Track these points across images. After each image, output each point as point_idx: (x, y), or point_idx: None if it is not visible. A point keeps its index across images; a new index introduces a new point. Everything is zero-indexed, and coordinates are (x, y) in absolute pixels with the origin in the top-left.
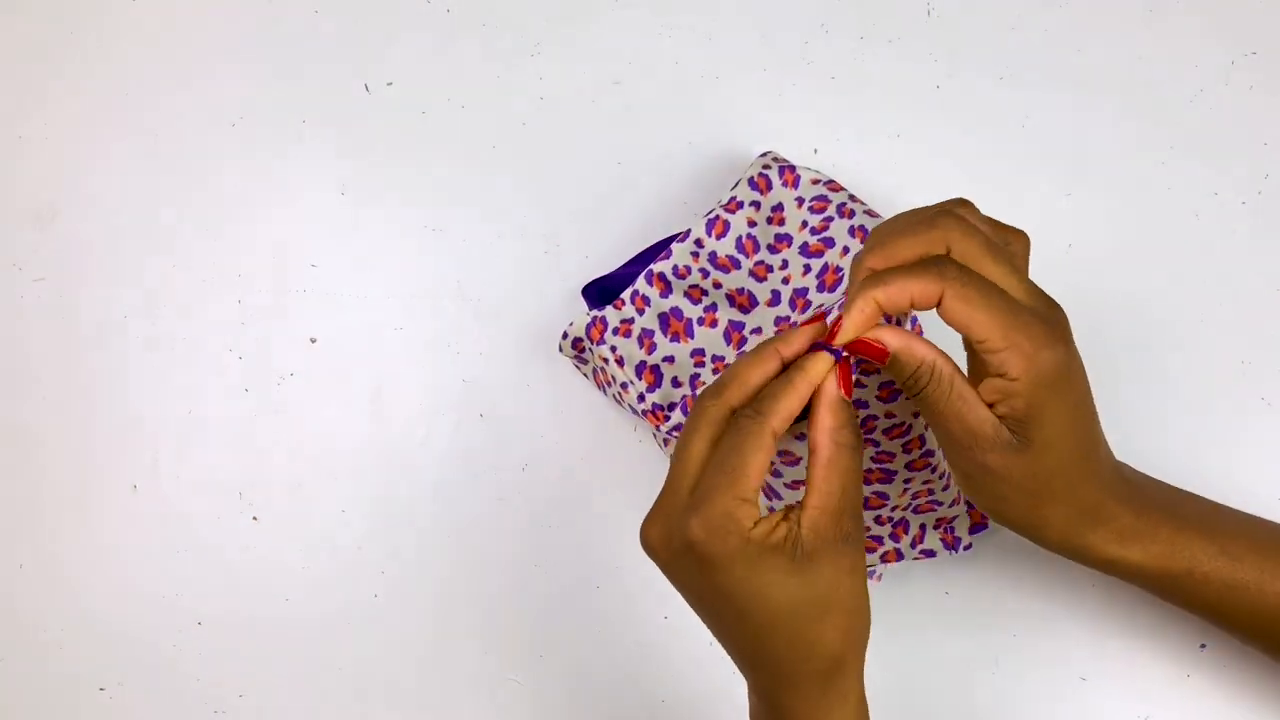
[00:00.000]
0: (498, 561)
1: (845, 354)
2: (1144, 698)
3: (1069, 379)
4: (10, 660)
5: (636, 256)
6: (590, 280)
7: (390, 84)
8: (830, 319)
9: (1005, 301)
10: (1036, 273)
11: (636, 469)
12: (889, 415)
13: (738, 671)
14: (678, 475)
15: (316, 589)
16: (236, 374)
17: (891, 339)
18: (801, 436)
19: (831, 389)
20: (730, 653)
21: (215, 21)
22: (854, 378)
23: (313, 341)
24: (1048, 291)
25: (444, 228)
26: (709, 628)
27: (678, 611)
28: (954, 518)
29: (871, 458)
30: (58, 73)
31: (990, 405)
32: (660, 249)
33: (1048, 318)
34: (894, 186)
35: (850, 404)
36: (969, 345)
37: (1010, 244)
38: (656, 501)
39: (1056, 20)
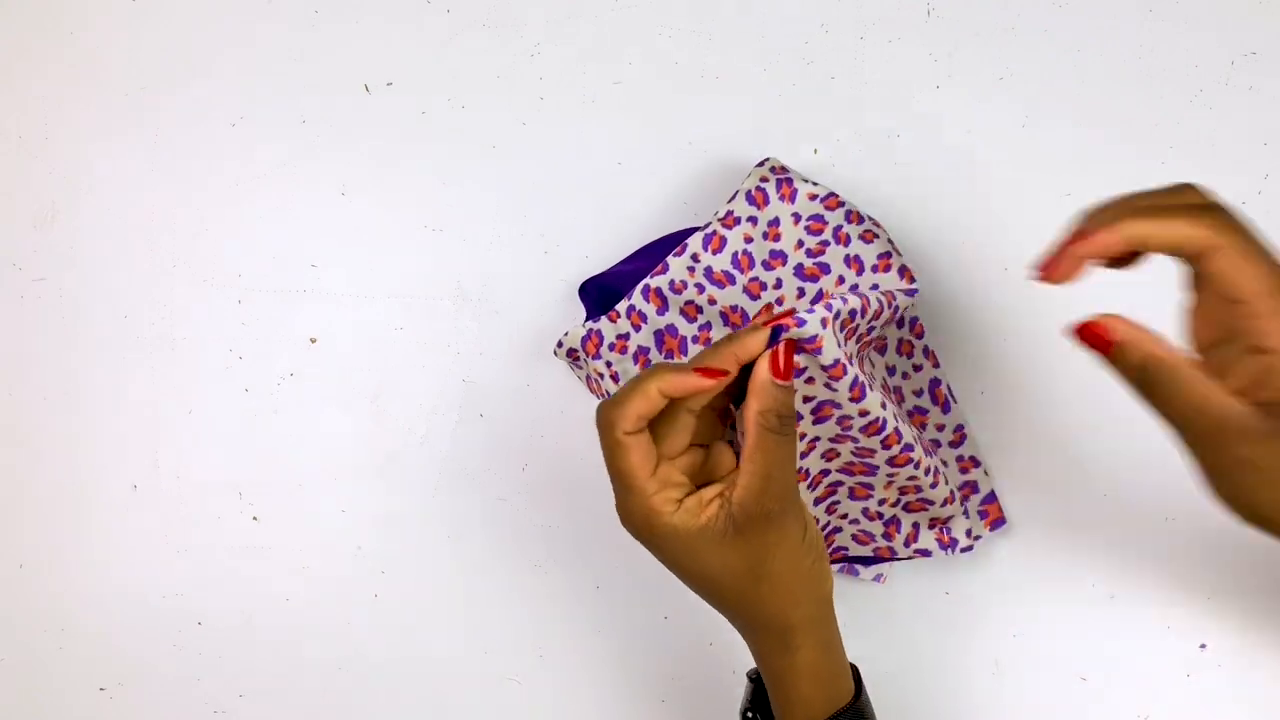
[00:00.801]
0: (498, 561)
1: (783, 337)
2: (1144, 698)
3: None
4: (10, 660)
5: (635, 253)
6: (587, 278)
7: (390, 84)
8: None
9: (1274, 265)
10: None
11: None
12: (863, 413)
13: (737, 671)
14: (604, 454)
15: (316, 589)
16: (236, 374)
17: (1122, 328)
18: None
19: (761, 373)
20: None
21: (215, 22)
22: (796, 361)
23: (313, 341)
24: (1046, 293)
25: (444, 228)
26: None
27: (677, 611)
28: (949, 518)
29: (852, 452)
30: (58, 73)
31: (1244, 390)
32: (659, 246)
33: None
34: (894, 186)
35: (781, 388)
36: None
37: None
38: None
39: (1056, 20)
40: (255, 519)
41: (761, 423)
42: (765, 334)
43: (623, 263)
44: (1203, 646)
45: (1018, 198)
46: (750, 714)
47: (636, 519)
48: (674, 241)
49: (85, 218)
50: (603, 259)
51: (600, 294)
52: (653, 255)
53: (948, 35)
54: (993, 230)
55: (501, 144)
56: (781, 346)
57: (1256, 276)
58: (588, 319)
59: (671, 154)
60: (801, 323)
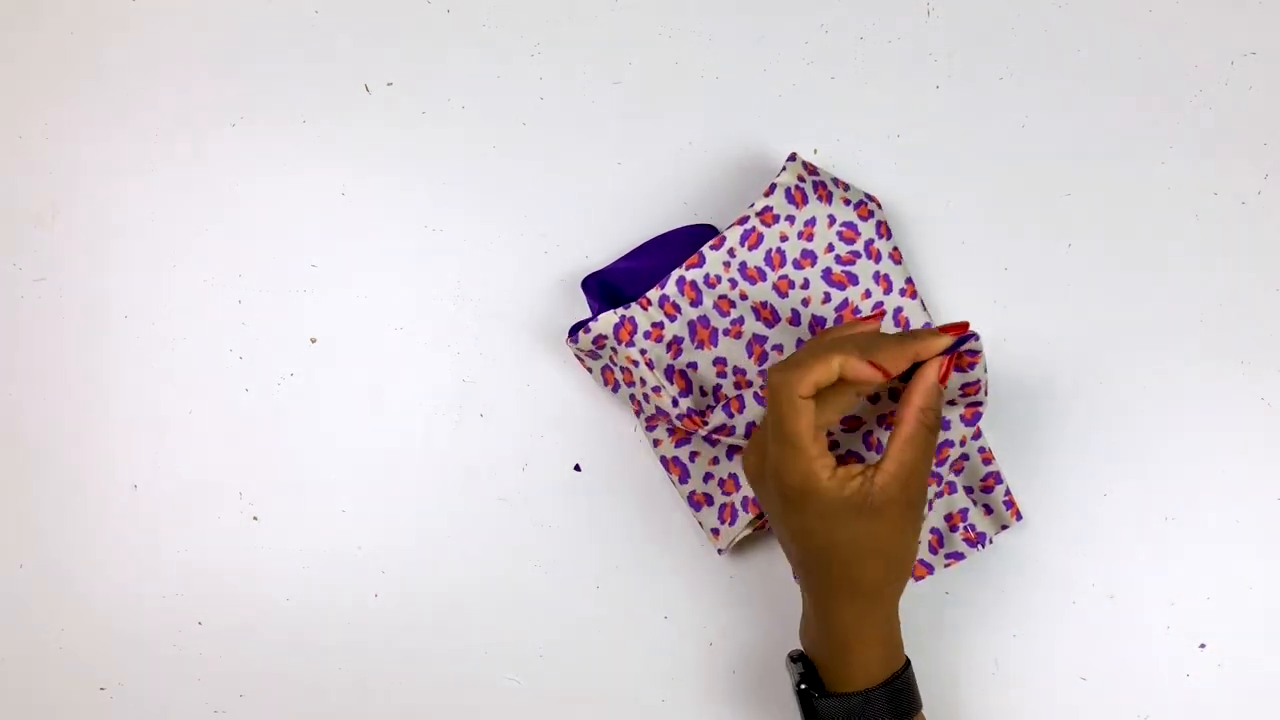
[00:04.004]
0: (498, 561)
1: (961, 349)
2: (1144, 698)
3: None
4: (10, 660)
5: (637, 249)
6: (590, 273)
7: (390, 84)
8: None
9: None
10: (1035, 275)
11: (636, 469)
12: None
13: (736, 671)
14: (775, 413)
15: (316, 589)
16: (236, 374)
17: None
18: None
19: (930, 375)
20: (791, 562)
21: (215, 21)
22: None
23: (313, 341)
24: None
25: (444, 228)
26: (781, 538)
27: (678, 611)
28: (963, 509)
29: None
30: (58, 73)
31: None
32: (659, 243)
33: None
34: (894, 186)
35: (941, 391)
36: None
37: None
38: (756, 432)
39: (1056, 20)
40: (255, 519)
41: (922, 419)
42: (947, 340)
43: (625, 258)
44: (1203, 646)
45: (1018, 198)
46: (804, 687)
47: (795, 477)
48: (674, 239)
49: (85, 217)
50: (603, 258)
51: (603, 289)
52: (653, 252)
53: (948, 35)
54: (993, 230)
55: (501, 144)
56: (951, 358)
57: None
58: (596, 312)
59: (671, 154)
60: (976, 336)
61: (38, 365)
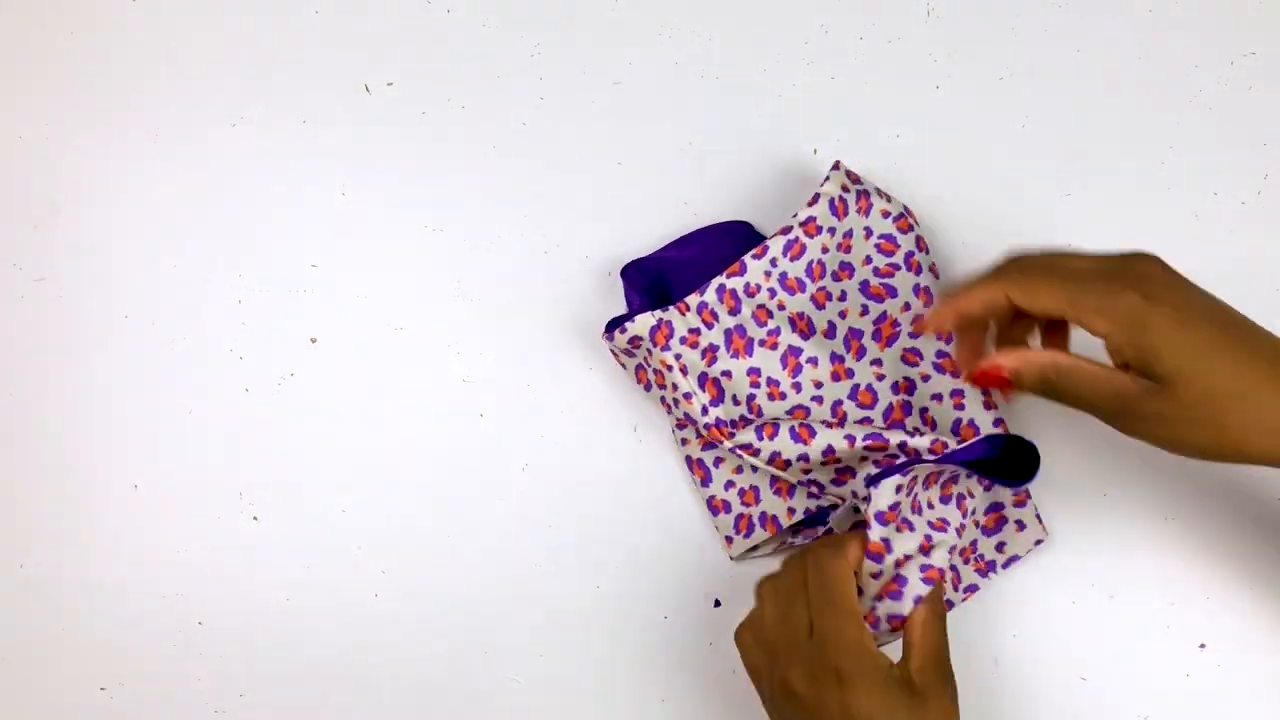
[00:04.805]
0: (498, 561)
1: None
2: (1144, 698)
3: (1154, 309)
4: (10, 660)
5: (687, 236)
6: (629, 262)
7: (390, 84)
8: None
9: (1061, 277)
10: None
11: (636, 469)
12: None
13: (738, 671)
14: (830, 589)
15: (316, 589)
16: (236, 374)
17: (1006, 360)
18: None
19: (935, 596)
20: None
21: (215, 22)
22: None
23: (313, 341)
24: None
25: (444, 228)
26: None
27: (677, 611)
28: (973, 540)
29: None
30: (58, 73)
31: (1125, 368)
32: (708, 234)
33: (1108, 273)
34: (894, 186)
35: (943, 589)
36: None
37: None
38: (750, 628)
39: (1056, 20)
40: (255, 519)
41: (933, 609)
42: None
43: (671, 246)
44: (1203, 646)
45: (1018, 198)
46: None
47: (849, 651)
48: (727, 231)
49: (85, 218)
50: (603, 259)
51: (642, 277)
52: (694, 243)
53: (948, 35)
54: (993, 230)
55: (501, 144)
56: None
57: (1047, 296)
58: (632, 303)
59: (671, 154)
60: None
61: (37, 365)
